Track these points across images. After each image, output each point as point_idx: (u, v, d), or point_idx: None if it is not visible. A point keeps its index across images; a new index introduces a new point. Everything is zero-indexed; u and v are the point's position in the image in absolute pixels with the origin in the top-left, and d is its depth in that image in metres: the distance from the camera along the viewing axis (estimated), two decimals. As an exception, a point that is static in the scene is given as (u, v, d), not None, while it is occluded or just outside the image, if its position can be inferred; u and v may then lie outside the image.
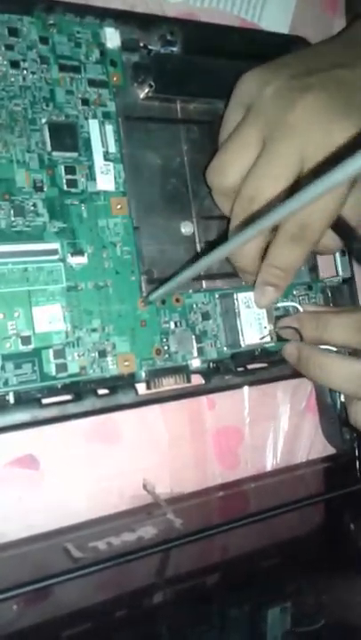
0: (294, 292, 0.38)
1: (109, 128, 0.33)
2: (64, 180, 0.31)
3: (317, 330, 0.34)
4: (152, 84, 0.33)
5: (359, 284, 0.41)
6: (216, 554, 0.34)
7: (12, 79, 0.30)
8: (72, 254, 0.31)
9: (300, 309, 0.37)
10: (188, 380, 0.33)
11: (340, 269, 0.40)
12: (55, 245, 0.30)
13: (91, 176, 0.32)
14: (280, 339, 0.36)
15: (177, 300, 0.34)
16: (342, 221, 0.32)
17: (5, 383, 0.28)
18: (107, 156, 0.32)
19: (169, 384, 0.33)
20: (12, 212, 0.29)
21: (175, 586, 0.30)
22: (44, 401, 0.29)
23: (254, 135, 0.31)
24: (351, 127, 0.29)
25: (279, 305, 0.37)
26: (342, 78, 0.31)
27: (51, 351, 0.30)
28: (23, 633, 0.26)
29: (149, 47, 0.34)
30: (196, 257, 0.33)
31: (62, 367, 0.30)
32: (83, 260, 0.31)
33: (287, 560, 0.33)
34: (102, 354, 0.31)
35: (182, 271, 0.28)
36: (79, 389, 0.30)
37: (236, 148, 0.31)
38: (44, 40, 0.31)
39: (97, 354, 0.31)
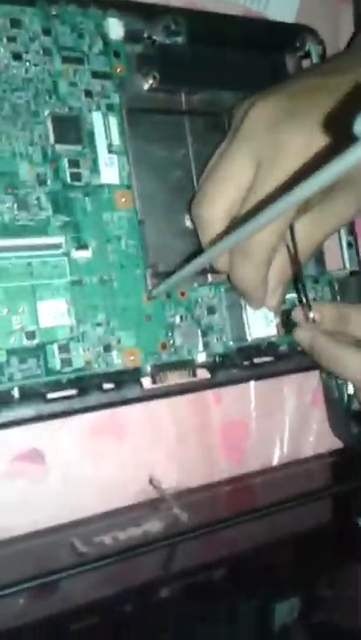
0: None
1: (113, 120, 0.32)
2: (68, 174, 0.31)
3: (339, 324, 0.34)
4: (156, 75, 0.33)
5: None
6: (222, 548, 0.34)
7: (15, 71, 0.30)
8: (76, 248, 0.30)
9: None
10: (194, 375, 0.33)
11: (347, 262, 0.40)
12: (59, 239, 0.30)
13: (95, 169, 0.31)
14: (288, 330, 0.36)
15: (182, 294, 0.33)
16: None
17: (10, 378, 0.28)
18: (111, 149, 0.32)
19: (174, 378, 0.32)
20: (15, 205, 0.29)
21: (181, 580, 0.30)
22: (49, 396, 0.29)
23: (222, 148, 0.32)
24: (295, 128, 0.28)
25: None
26: (303, 85, 0.31)
27: (55, 346, 0.29)
28: (30, 627, 0.26)
29: (153, 38, 0.34)
30: (200, 250, 0.33)
31: (67, 362, 0.30)
32: (87, 254, 0.31)
33: (294, 554, 0.33)
34: (107, 348, 0.31)
35: (185, 266, 0.27)
36: (84, 384, 0.30)
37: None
38: (46, 31, 0.31)
39: (102, 348, 0.31)
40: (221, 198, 0.31)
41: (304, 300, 0.34)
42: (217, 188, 0.31)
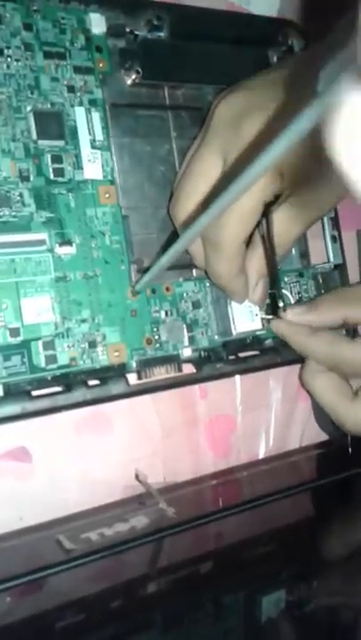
0: (285, 280, 0.38)
1: (96, 115, 0.32)
2: (50, 169, 0.30)
3: (304, 350, 0.35)
4: (139, 70, 0.33)
5: (350, 271, 0.41)
6: (209, 542, 0.34)
7: (-4, 67, 0.30)
8: (60, 244, 0.30)
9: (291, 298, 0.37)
10: (180, 370, 0.33)
11: (331, 256, 0.40)
12: (43, 236, 0.30)
13: (78, 165, 0.31)
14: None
15: (167, 289, 0.33)
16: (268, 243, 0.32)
17: (-6, 376, 0.28)
18: (94, 144, 0.32)
19: (160, 374, 0.32)
20: (-3, 202, 0.29)
21: (169, 575, 0.30)
22: (34, 393, 0.29)
23: (195, 144, 0.32)
24: (254, 122, 0.29)
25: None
26: (264, 79, 0.31)
27: (40, 343, 0.29)
28: (17, 625, 0.26)
29: (136, 32, 0.33)
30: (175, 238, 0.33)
31: (52, 359, 0.30)
32: (71, 250, 0.31)
33: (281, 547, 0.33)
34: (92, 344, 0.31)
35: (163, 256, 0.27)
36: (69, 381, 0.30)
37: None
38: (27, 26, 0.30)
39: (87, 344, 0.31)
40: (194, 195, 0.31)
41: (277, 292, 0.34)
42: (189, 185, 0.31)
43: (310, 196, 0.31)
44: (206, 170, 0.30)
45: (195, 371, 0.34)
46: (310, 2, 0.42)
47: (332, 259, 0.40)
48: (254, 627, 0.28)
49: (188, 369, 0.34)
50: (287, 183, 0.30)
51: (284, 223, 0.32)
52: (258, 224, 0.31)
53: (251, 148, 0.28)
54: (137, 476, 0.34)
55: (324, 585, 0.31)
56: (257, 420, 0.39)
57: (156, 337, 0.33)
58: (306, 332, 0.34)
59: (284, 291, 0.37)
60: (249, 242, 0.32)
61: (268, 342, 0.37)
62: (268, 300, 0.36)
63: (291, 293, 0.38)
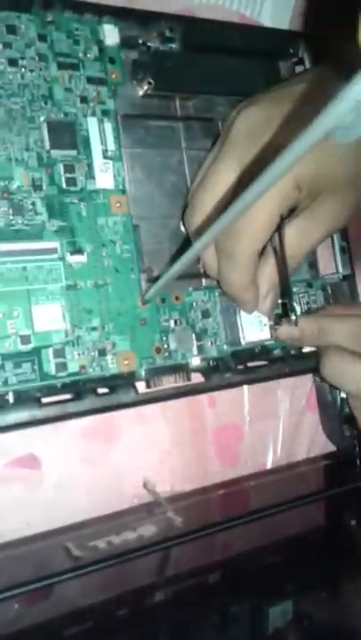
0: (294, 290, 0.38)
1: (108, 126, 0.32)
2: (63, 179, 0.31)
3: (318, 337, 0.34)
4: (151, 81, 0.33)
5: (359, 281, 0.41)
6: (217, 552, 0.34)
7: (11, 77, 0.30)
8: (71, 253, 0.31)
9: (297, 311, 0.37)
10: (189, 379, 0.33)
11: (340, 266, 0.40)
12: (54, 244, 0.30)
13: (90, 174, 0.32)
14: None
15: (177, 298, 0.34)
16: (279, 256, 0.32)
17: (5, 382, 0.28)
18: (106, 154, 0.32)
19: (169, 382, 0.32)
20: (10, 210, 0.29)
21: (176, 584, 0.30)
22: (44, 400, 0.29)
23: (212, 156, 0.33)
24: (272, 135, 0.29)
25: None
26: (284, 92, 0.31)
27: (50, 350, 0.29)
28: (24, 632, 0.26)
29: (148, 44, 0.34)
30: (187, 247, 0.33)
31: (62, 366, 0.30)
32: (82, 258, 0.31)
33: (288, 558, 0.33)
34: (102, 352, 0.31)
35: (173, 265, 0.27)
36: (79, 388, 0.30)
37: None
38: (42, 37, 0.31)
39: (97, 353, 0.31)
40: (210, 206, 0.31)
41: (289, 304, 0.34)
42: (205, 195, 0.31)
43: (325, 208, 0.32)
44: (223, 181, 0.30)
45: (203, 380, 0.34)
46: (321, 14, 0.43)
47: (340, 269, 0.40)
48: (261, 637, 0.28)
49: (197, 378, 0.34)
50: (304, 196, 0.30)
51: (298, 235, 0.32)
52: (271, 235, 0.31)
53: (265, 155, 0.29)
54: (145, 485, 0.34)
55: (332, 597, 0.31)
56: (265, 430, 0.39)
57: (166, 346, 0.33)
58: (328, 318, 0.34)
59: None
60: (261, 252, 0.32)
61: (277, 352, 0.37)
62: (277, 311, 0.36)
63: (300, 304, 0.38)
